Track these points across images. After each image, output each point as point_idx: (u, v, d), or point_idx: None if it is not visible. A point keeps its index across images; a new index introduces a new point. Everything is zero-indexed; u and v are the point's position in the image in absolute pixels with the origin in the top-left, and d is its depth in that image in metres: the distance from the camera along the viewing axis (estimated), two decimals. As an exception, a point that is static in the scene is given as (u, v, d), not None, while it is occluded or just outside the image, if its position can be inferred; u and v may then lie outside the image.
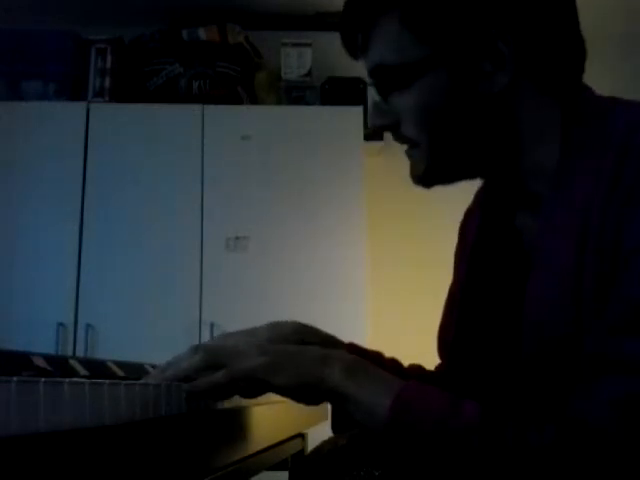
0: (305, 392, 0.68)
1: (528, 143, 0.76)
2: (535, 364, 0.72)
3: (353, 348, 0.90)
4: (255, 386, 0.68)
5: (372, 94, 0.82)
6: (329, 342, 0.87)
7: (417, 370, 0.97)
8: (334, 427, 0.87)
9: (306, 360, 0.68)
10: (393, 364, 0.94)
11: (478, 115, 0.75)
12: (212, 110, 2.80)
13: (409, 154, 0.82)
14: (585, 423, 0.61)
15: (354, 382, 0.66)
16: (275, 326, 0.86)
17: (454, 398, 0.64)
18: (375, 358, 0.92)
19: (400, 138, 0.80)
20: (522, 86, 0.74)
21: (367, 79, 0.83)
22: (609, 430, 0.60)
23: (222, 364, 0.67)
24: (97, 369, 0.86)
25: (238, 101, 2.89)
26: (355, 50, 0.85)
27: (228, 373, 0.66)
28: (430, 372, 0.98)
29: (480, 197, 0.93)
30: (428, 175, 0.81)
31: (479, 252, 0.87)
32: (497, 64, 0.73)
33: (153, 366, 0.97)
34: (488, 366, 0.81)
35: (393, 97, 0.78)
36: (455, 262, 0.97)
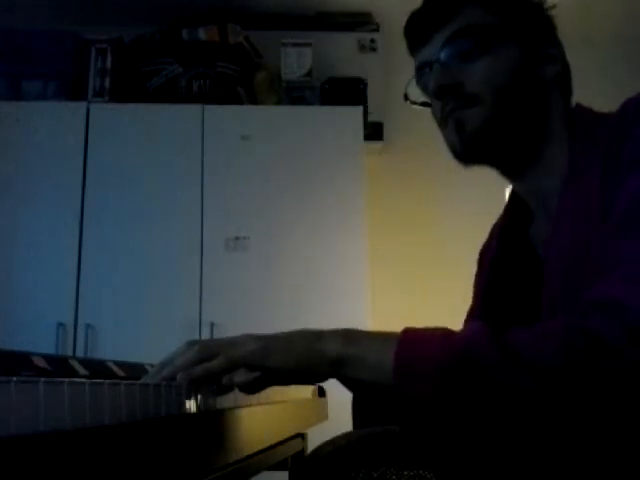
0: (305, 372, 0.68)
1: (550, 138, 0.85)
2: None
3: None
4: (254, 375, 0.68)
5: (436, 68, 0.86)
6: None
7: None
8: (355, 423, 0.88)
9: (301, 340, 0.69)
10: None
11: (532, 94, 0.85)
12: (212, 110, 2.80)
13: (459, 116, 0.85)
14: (597, 298, 0.62)
15: (354, 345, 0.67)
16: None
17: (451, 329, 0.65)
18: None
19: (460, 97, 0.84)
20: (556, 86, 0.87)
21: (437, 51, 0.87)
22: (624, 299, 0.60)
23: (217, 355, 0.67)
24: (97, 369, 0.86)
25: (238, 101, 2.89)
26: (431, 21, 0.89)
27: (224, 358, 0.66)
28: None
29: (496, 231, 0.98)
30: (478, 137, 0.84)
31: (497, 267, 0.92)
32: (554, 53, 0.87)
33: (153, 366, 0.97)
34: None
35: (469, 60, 0.84)
36: (475, 289, 1.00)
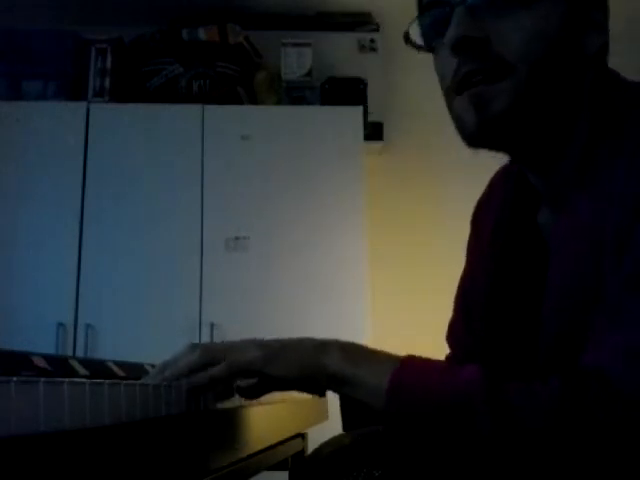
0: (306, 382, 0.68)
1: (575, 123, 0.71)
2: (552, 354, 0.72)
3: None
4: (255, 381, 0.68)
5: (458, 12, 0.68)
6: None
7: None
8: (345, 425, 0.87)
9: (304, 350, 0.68)
10: None
11: (571, 69, 0.71)
12: (212, 110, 2.80)
13: (482, 91, 0.68)
14: (596, 372, 0.59)
15: (354, 364, 0.66)
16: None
17: (451, 365, 0.64)
18: None
19: (486, 58, 0.68)
20: (595, 63, 0.72)
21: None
22: (623, 378, 0.57)
23: (220, 360, 0.67)
24: (97, 369, 0.86)
25: (238, 101, 2.89)
26: None
27: (226, 365, 0.66)
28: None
29: (496, 189, 0.90)
30: (502, 119, 0.69)
31: (503, 249, 0.85)
32: (601, 20, 0.72)
33: (153, 366, 0.97)
34: (511, 359, 0.81)
35: (504, 11, 0.68)
36: (468, 254, 0.95)
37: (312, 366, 0.67)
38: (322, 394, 0.73)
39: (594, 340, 0.63)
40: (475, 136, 0.71)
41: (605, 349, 0.61)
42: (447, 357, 0.98)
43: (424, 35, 0.75)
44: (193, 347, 0.69)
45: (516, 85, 0.67)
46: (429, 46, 0.75)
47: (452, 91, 0.71)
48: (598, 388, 0.58)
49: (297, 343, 0.69)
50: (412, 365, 0.65)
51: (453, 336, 0.96)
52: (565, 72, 0.70)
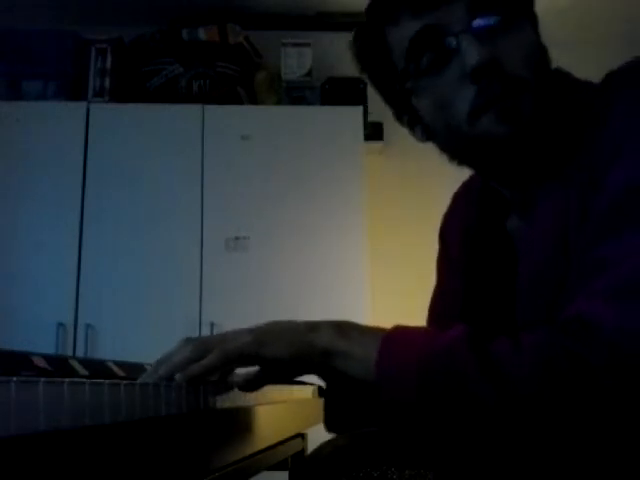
0: (298, 362, 0.68)
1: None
2: None
3: None
4: (252, 371, 0.69)
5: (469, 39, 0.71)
6: None
7: None
8: (328, 425, 0.87)
9: (294, 330, 0.69)
10: None
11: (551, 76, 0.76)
12: (212, 110, 2.80)
13: (510, 104, 0.71)
14: (578, 318, 0.59)
15: (344, 339, 0.67)
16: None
17: (438, 330, 0.65)
18: None
19: (504, 80, 0.71)
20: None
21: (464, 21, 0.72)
22: (604, 317, 0.58)
23: (213, 350, 0.67)
24: (97, 369, 0.86)
25: (238, 101, 2.89)
26: None
27: (219, 353, 0.66)
28: None
29: (460, 202, 0.95)
30: (533, 121, 0.72)
31: (473, 258, 0.87)
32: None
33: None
34: None
35: (504, 31, 0.72)
36: (437, 270, 0.98)
37: (303, 342, 0.67)
38: (315, 373, 0.72)
39: (572, 295, 0.64)
40: (512, 144, 0.72)
41: (583, 297, 0.62)
42: None
43: (415, 69, 0.75)
44: (187, 342, 0.70)
45: (533, 96, 0.71)
46: (417, 79, 0.76)
47: (470, 118, 0.73)
48: (582, 331, 0.58)
49: (287, 322, 0.71)
50: (399, 332, 0.66)
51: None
52: (551, 78, 0.75)
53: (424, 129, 0.82)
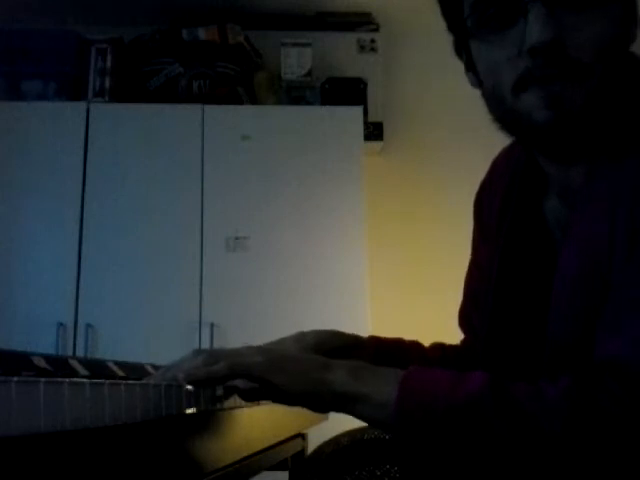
0: (309, 397, 0.68)
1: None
2: (560, 344, 0.71)
3: (375, 339, 0.93)
4: (256, 389, 0.68)
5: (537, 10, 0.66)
6: (353, 343, 0.90)
7: (439, 348, 0.98)
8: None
9: (308, 365, 0.68)
10: (415, 346, 0.96)
11: (626, 66, 0.72)
12: (212, 110, 2.80)
13: (560, 90, 0.67)
14: (608, 364, 0.58)
15: (359, 381, 0.66)
16: (300, 338, 0.86)
17: (457, 373, 0.64)
18: (397, 343, 0.94)
19: (564, 62, 0.67)
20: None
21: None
22: (637, 367, 0.57)
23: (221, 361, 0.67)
24: (97, 369, 0.86)
25: (238, 101, 2.89)
26: None
27: (226, 365, 0.66)
28: (453, 347, 0.99)
29: (500, 170, 0.90)
30: (580, 114, 0.68)
31: (509, 235, 0.84)
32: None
33: (153, 366, 0.98)
34: (519, 350, 0.81)
35: (578, 9, 0.67)
36: (474, 241, 0.96)
37: (316, 381, 0.66)
38: (323, 411, 0.71)
39: (605, 332, 0.62)
40: (550, 132, 0.69)
41: (617, 339, 0.60)
42: (462, 341, 0.99)
43: (477, 20, 0.71)
44: (198, 352, 0.70)
45: (593, 85, 0.67)
46: (477, 30, 0.72)
47: (514, 91, 0.70)
48: (611, 381, 0.57)
49: (301, 358, 0.70)
50: (417, 376, 0.65)
51: (464, 321, 0.98)
52: (624, 68, 0.71)
53: (477, 78, 0.77)
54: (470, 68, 0.79)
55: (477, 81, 0.78)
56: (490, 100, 0.75)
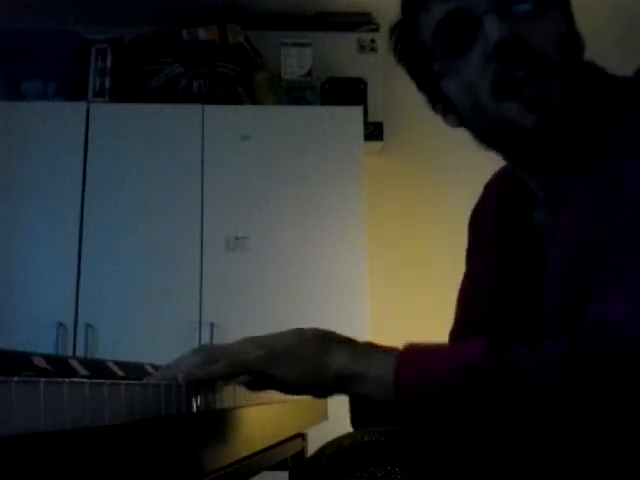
0: (311, 385, 0.68)
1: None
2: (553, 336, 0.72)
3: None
4: (257, 380, 0.69)
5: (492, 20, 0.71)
6: None
7: None
8: (354, 422, 0.87)
9: (308, 353, 0.68)
10: None
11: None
12: (212, 110, 2.80)
13: (539, 90, 0.70)
14: (602, 322, 0.60)
15: (357, 360, 0.67)
16: (297, 333, 0.86)
17: (453, 345, 0.65)
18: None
19: (532, 58, 0.70)
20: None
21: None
22: (631, 323, 0.58)
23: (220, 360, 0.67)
24: (97, 369, 0.86)
25: (238, 101, 2.89)
26: None
27: (227, 363, 0.66)
28: None
29: (492, 193, 0.93)
30: (563, 111, 0.71)
31: (502, 248, 0.86)
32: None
33: (153, 366, 0.98)
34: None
35: (532, 13, 0.72)
36: (467, 258, 0.97)
37: (317, 369, 0.67)
38: (326, 396, 0.72)
39: (596, 294, 0.64)
40: (539, 135, 0.72)
41: (609, 299, 0.62)
42: None
43: (442, 50, 0.76)
44: (197, 350, 0.70)
45: (563, 82, 0.70)
46: (445, 62, 0.76)
47: (493, 97, 0.72)
48: (606, 337, 0.58)
49: (300, 346, 0.69)
50: (415, 351, 0.66)
51: (457, 341, 0.97)
52: (582, 66, 0.75)
53: (456, 115, 0.81)
54: (447, 110, 0.82)
55: (457, 118, 0.81)
56: (473, 119, 0.78)
